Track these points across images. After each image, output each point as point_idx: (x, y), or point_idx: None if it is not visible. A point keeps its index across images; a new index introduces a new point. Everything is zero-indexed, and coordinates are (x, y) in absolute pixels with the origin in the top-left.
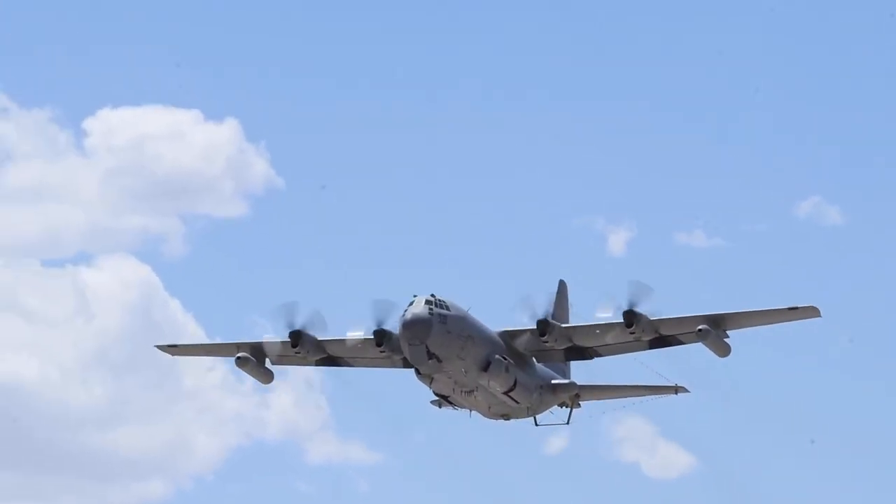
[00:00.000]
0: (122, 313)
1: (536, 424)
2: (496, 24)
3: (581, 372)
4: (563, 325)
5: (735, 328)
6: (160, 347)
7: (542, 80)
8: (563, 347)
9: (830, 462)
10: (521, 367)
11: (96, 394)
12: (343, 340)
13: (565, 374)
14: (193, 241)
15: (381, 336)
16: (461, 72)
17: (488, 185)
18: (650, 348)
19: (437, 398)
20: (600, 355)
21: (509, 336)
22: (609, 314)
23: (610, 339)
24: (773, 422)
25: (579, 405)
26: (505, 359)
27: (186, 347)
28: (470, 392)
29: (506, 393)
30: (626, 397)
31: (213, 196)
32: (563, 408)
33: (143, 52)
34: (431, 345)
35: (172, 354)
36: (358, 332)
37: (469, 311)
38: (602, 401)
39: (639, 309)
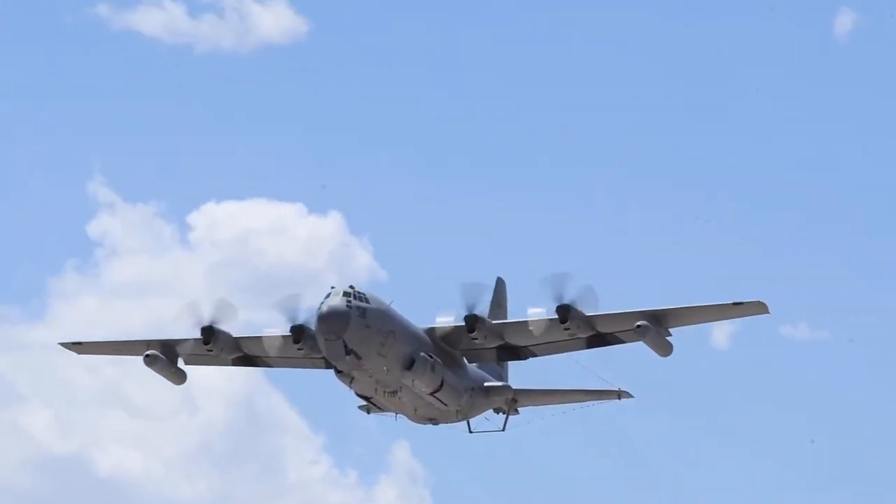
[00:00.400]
0: (227, 406)
1: (470, 431)
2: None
3: (521, 376)
4: (494, 322)
5: (677, 325)
6: (64, 345)
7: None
8: (494, 346)
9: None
10: (449, 367)
11: (200, 488)
12: (260, 338)
13: (503, 378)
14: None
15: (298, 333)
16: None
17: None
18: (588, 347)
19: (363, 403)
20: (535, 355)
21: (436, 333)
22: (542, 310)
23: (544, 336)
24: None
25: (517, 411)
26: (431, 357)
27: (93, 345)
28: (393, 393)
29: (432, 394)
30: (565, 403)
31: (316, 289)
32: (500, 414)
33: (247, 147)
34: (349, 340)
35: (79, 353)
36: (275, 329)
37: (392, 305)
38: (541, 406)
39: (573, 304)
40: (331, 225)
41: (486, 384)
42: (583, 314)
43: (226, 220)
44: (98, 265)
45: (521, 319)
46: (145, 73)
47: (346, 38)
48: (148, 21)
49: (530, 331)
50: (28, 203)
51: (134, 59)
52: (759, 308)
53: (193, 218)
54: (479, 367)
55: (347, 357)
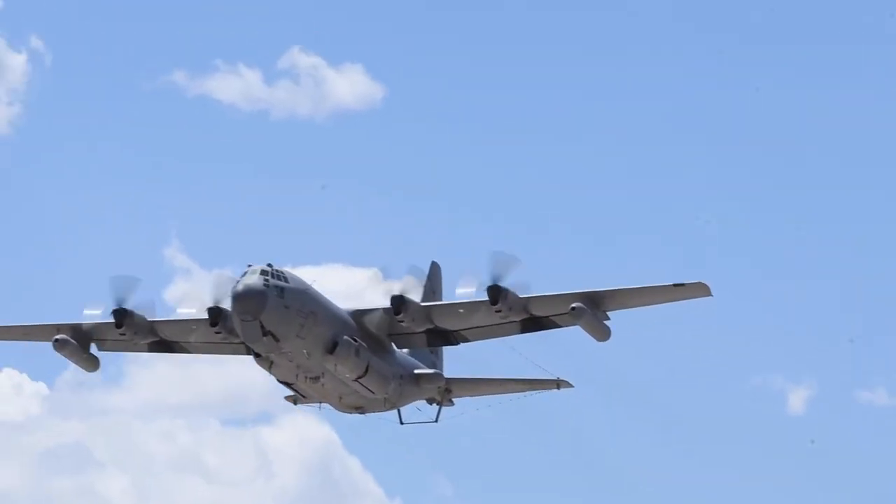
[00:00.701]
0: (302, 472)
1: (402, 423)
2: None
3: (458, 366)
4: (422, 304)
5: (615, 308)
6: None
7: None
8: (422, 330)
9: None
10: (375, 352)
11: None
12: (175, 322)
13: (438, 368)
14: None
15: (216, 315)
16: None
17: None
18: (523, 332)
19: (291, 393)
20: (468, 340)
21: (362, 316)
22: (472, 290)
23: (476, 319)
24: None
25: (451, 402)
26: (355, 341)
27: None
28: (316, 379)
29: (357, 380)
30: (502, 393)
31: None
32: (433, 405)
33: (323, 212)
34: (266, 320)
35: None
36: (191, 310)
37: (313, 285)
38: (476, 397)
39: (505, 284)
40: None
41: (416, 371)
42: (515, 295)
43: None
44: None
45: (450, 302)
46: (221, 139)
47: (421, 104)
48: (224, 88)
49: (461, 313)
50: (106, 269)
51: (210, 125)
52: (701, 290)
53: None
54: (412, 355)
55: (265, 339)
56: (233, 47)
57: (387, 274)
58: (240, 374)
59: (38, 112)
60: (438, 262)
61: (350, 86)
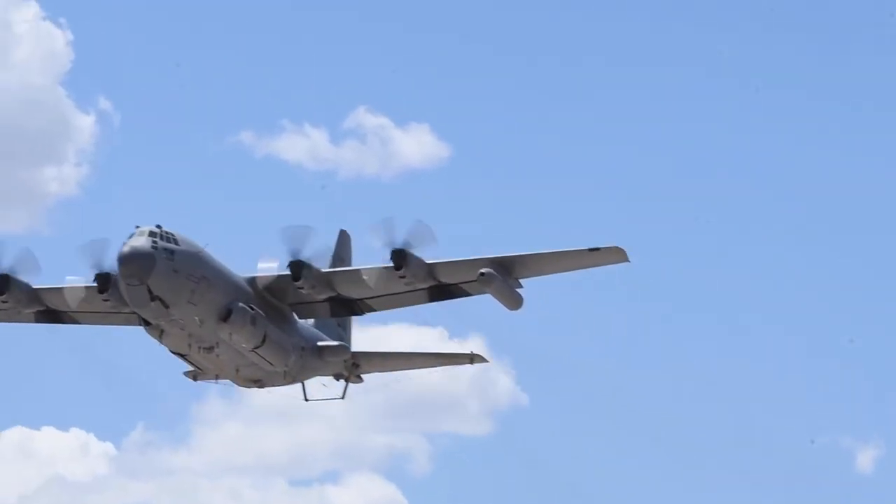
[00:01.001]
0: None
1: (306, 399)
2: None
3: (368, 341)
4: (323, 270)
5: (528, 275)
6: None
7: None
8: (324, 298)
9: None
10: (274, 322)
11: None
12: (61, 289)
13: (344, 341)
14: (438, 459)
15: (104, 281)
16: None
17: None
18: (431, 300)
19: (190, 368)
20: (373, 309)
21: (258, 282)
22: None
23: (380, 287)
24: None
25: (360, 378)
26: (251, 308)
27: None
28: (210, 349)
29: (254, 350)
30: (413, 368)
31: (457, 414)
32: (341, 380)
33: None
34: (154, 285)
35: None
36: (79, 278)
37: (206, 249)
38: (386, 372)
39: (409, 249)
40: (472, 350)
41: (319, 344)
42: (420, 261)
43: (367, 345)
44: (241, 391)
45: (352, 268)
46: (289, 198)
47: (487, 163)
48: (291, 148)
49: (364, 280)
50: None
51: (277, 185)
52: (617, 255)
53: None
54: (318, 328)
55: (153, 304)
56: (299, 108)
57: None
58: (306, 432)
59: (106, 173)
60: (348, 231)
61: (416, 145)
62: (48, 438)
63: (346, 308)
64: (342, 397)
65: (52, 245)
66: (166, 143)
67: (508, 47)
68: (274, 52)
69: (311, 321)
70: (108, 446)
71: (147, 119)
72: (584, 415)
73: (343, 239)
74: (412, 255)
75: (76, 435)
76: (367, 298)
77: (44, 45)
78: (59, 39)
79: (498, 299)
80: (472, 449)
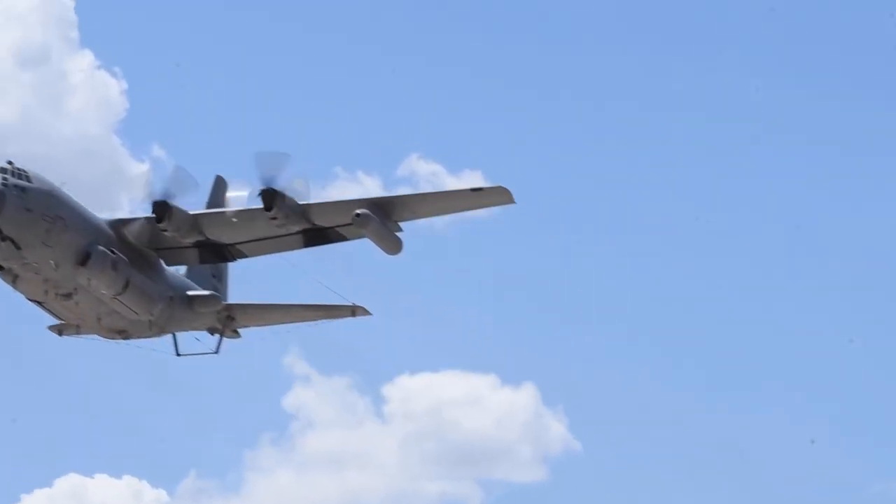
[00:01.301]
0: None
1: (178, 354)
2: None
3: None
4: (190, 212)
5: (408, 217)
6: None
7: None
8: (192, 242)
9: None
10: (137, 267)
11: None
12: None
13: (219, 293)
14: None
15: None
16: None
17: None
18: (306, 245)
19: (56, 323)
20: (245, 255)
21: (121, 225)
22: (245, 195)
23: (251, 230)
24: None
25: (237, 333)
26: (112, 252)
27: None
28: (68, 296)
29: (115, 297)
30: (292, 322)
31: (510, 461)
32: (215, 335)
33: (442, 320)
34: (4, 224)
35: None
36: None
37: (63, 188)
38: (263, 326)
39: (280, 188)
40: (524, 396)
41: (189, 293)
42: (293, 201)
43: (420, 392)
44: (293, 438)
45: (220, 209)
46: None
47: (543, 210)
48: (344, 195)
49: (234, 223)
50: (225, 377)
51: None
52: (501, 196)
53: (388, 390)
54: (192, 279)
55: (3, 244)
56: (352, 155)
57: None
58: (358, 479)
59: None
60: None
61: None
62: (101, 486)
63: (215, 254)
64: (216, 352)
65: None
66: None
67: (558, 92)
68: (326, 100)
69: (183, 271)
70: (161, 493)
71: (200, 166)
72: (639, 463)
73: (219, 185)
74: (284, 196)
75: (128, 482)
76: (237, 243)
77: (98, 94)
78: (113, 88)
79: (376, 243)
80: (526, 496)
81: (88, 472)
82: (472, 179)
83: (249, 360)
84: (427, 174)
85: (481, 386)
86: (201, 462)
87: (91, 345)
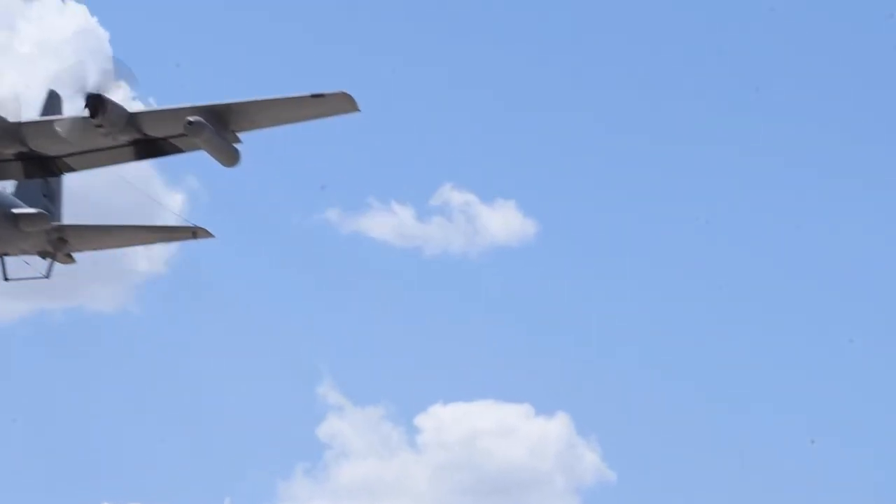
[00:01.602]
0: None
1: (6, 279)
2: None
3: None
4: (11, 121)
5: (246, 127)
6: None
7: None
8: (13, 154)
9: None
10: None
11: None
12: None
13: (53, 215)
14: None
15: None
16: None
17: None
18: (139, 158)
19: None
20: (73, 169)
21: None
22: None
23: (77, 141)
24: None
25: (71, 257)
26: None
27: None
28: None
29: None
30: (131, 245)
31: (543, 491)
32: (47, 259)
33: (475, 350)
34: None
35: None
36: None
37: None
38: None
39: (107, 93)
40: (557, 426)
41: (14, 211)
42: (121, 108)
43: (453, 422)
44: (327, 468)
45: (43, 118)
46: (374, 276)
47: (574, 240)
48: (377, 225)
49: (57, 132)
50: (259, 408)
51: (363, 262)
52: (344, 103)
53: (421, 420)
54: (21, 197)
55: None
56: (385, 185)
57: None
58: None
59: (194, 251)
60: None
61: (503, 222)
62: None
63: (41, 168)
64: (47, 276)
65: (142, 323)
66: (252, 220)
67: (593, 123)
68: (359, 131)
69: (9, 189)
70: None
71: (234, 198)
72: (674, 493)
73: (52, 99)
74: (109, 101)
75: None
76: (64, 156)
77: None
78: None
79: (211, 154)
80: None
81: (122, 500)
82: (504, 209)
83: (289, 394)
84: (461, 204)
85: (515, 415)
86: (235, 492)
87: None
